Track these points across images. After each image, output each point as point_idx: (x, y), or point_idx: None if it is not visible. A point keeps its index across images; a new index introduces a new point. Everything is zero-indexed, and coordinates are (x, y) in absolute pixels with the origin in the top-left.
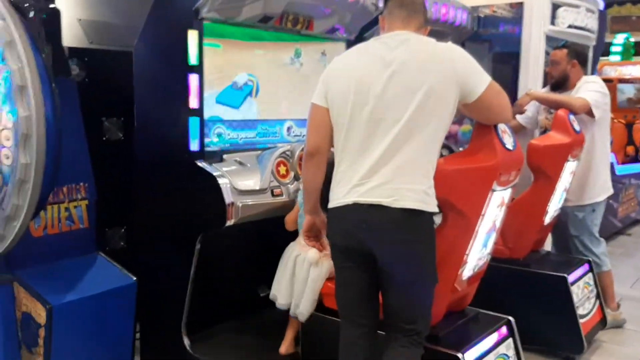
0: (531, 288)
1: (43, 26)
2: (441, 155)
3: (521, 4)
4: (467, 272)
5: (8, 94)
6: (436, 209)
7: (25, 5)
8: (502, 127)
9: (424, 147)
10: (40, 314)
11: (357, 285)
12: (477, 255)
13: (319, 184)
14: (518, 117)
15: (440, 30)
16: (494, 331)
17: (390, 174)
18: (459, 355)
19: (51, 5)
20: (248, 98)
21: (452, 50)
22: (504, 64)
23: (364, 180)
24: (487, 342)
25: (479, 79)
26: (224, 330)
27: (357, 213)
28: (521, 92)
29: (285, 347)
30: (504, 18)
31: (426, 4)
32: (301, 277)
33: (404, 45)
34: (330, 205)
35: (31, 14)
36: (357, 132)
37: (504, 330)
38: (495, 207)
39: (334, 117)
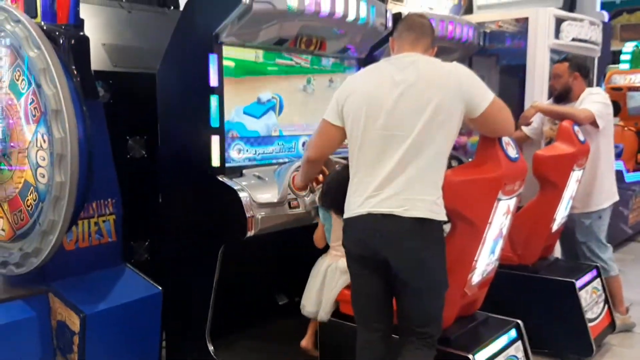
0: (540, 293)
1: (72, 52)
2: (450, 166)
3: (526, 18)
4: (476, 277)
5: (44, 117)
6: (445, 218)
7: (57, 33)
8: (505, 139)
9: (433, 160)
10: (74, 322)
11: (372, 292)
12: (485, 261)
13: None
14: (524, 128)
15: (448, 47)
16: (503, 334)
17: (401, 185)
18: (470, 356)
19: (80, 33)
20: (270, 112)
21: (458, 70)
22: (511, 77)
23: (376, 191)
24: (497, 345)
25: (483, 96)
26: (245, 337)
27: (371, 223)
28: (527, 104)
29: (306, 341)
30: (510, 32)
31: (433, 22)
32: (331, 286)
33: (412, 66)
34: (346, 215)
35: (62, 41)
36: (370, 146)
37: (513, 333)
38: (502, 215)
39: (349, 131)
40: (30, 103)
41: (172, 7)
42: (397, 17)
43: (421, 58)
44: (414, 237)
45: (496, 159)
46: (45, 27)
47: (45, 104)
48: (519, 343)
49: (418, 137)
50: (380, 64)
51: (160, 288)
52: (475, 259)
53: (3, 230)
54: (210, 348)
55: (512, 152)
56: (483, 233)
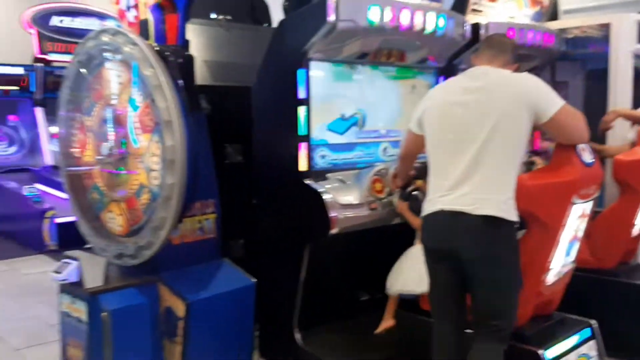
0: (619, 297)
1: (180, 69)
2: (529, 170)
3: (608, 24)
4: (551, 278)
5: (157, 127)
6: (515, 219)
7: (167, 53)
8: (581, 145)
9: (501, 162)
10: (180, 308)
11: (446, 285)
12: (560, 262)
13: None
14: None
15: (527, 54)
16: (576, 332)
17: (471, 186)
18: (540, 351)
19: (186, 52)
20: (353, 127)
21: (526, 79)
22: (596, 83)
23: (449, 191)
24: (569, 342)
25: (551, 102)
26: (329, 329)
27: (443, 219)
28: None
29: (384, 322)
30: (593, 38)
31: (512, 31)
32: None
33: (483, 76)
34: (422, 213)
35: (171, 60)
36: (443, 150)
37: (587, 332)
38: (577, 218)
39: (428, 137)
40: (146, 115)
41: (266, 25)
42: (475, 27)
43: (492, 70)
44: (482, 233)
45: (571, 164)
46: (157, 48)
47: (158, 115)
48: (593, 342)
49: (486, 140)
50: (456, 77)
51: (255, 280)
52: (550, 260)
53: (120, 226)
54: (298, 336)
55: (588, 157)
56: (557, 235)
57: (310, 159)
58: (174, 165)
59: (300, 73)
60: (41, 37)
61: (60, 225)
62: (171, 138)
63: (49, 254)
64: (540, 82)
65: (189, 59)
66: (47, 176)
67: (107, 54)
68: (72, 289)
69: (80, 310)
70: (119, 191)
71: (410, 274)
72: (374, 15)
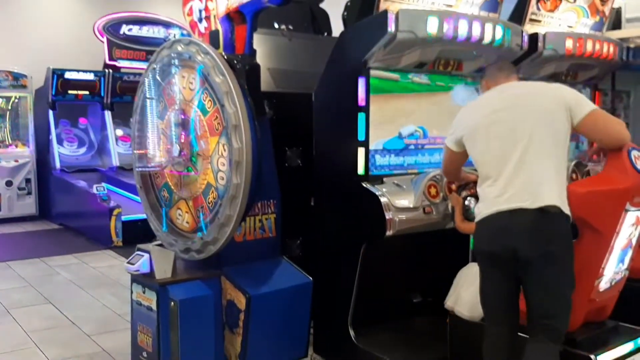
0: None
1: (247, 77)
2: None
3: None
4: (603, 284)
5: (225, 131)
6: (569, 212)
7: (235, 61)
8: (635, 153)
9: (547, 157)
10: (241, 301)
11: (501, 290)
12: (613, 269)
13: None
14: None
15: (586, 64)
16: (629, 340)
17: (523, 182)
18: (592, 356)
19: (253, 61)
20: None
21: (561, 86)
22: None
23: (502, 192)
24: (622, 349)
25: (584, 104)
26: (382, 328)
27: (500, 220)
28: None
29: None
30: None
31: (570, 41)
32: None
33: (519, 87)
34: (477, 219)
35: (239, 68)
36: (492, 156)
37: None
38: (630, 225)
39: (475, 149)
40: (215, 119)
41: (326, 34)
42: (533, 37)
43: (524, 82)
44: (541, 226)
45: (624, 172)
46: (226, 57)
47: (227, 119)
48: None
49: (531, 137)
50: (486, 94)
51: (311, 278)
52: (602, 266)
53: (187, 222)
54: (352, 334)
55: None
56: (610, 242)
57: (368, 163)
58: (240, 166)
59: (361, 81)
60: (111, 45)
61: (125, 222)
62: (238, 141)
63: (115, 250)
64: (574, 90)
65: (256, 67)
66: (113, 176)
67: (180, 62)
68: (144, 279)
69: (150, 299)
70: (187, 190)
71: (463, 295)
72: (432, 26)
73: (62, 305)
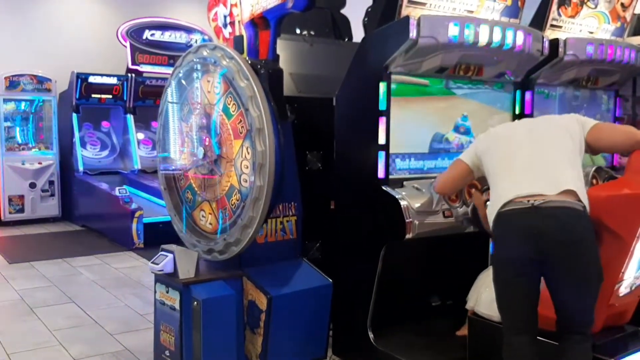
0: None
1: (270, 81)
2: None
3: None
4: (623, 289)
5: (249, 134)
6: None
7: (259, 66)
8: None
9: (564, 154)
10: (262, 302)
11: (527, 297)
12: (633, 274)
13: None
14: None
15: (607, 69)
16: None
17: (540, 170)
18: None
19: (276, 66)
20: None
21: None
22: None
23: (519, 179)
24: None
25: (591, 120)
26: (401, 330)
27: (524, 219)
28: None
29: (462, 330)
30: None
31: (591, 46)
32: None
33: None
34: (494, 214)
35: (262, 72)
36: (508, 153)
37: None
38: None
39: (489, 157)
40: (239, 122)
41: (347, 39)
42: (554, 43)
43: None
44: (570, 224)
45: None
46: (250, 62)
47: (251, 123)
48: None
49: (550, 141)
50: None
51: (331, 280)
52: (622, 271)
53: (210, 224)
54: (371, 336)
55: None
56: (630, 247)
57: (388, 166)
58: (264, 169)
59: (382, 86)
60: (134, 50)
61: (146, 224)
62: (262, 144)
63: (136, 251)
64: None
65: (279, 72)
66: (135, 179)
67: (205, 67)
68: (167, 279)
69: (173, 298)
70: (211, 192)
71: (484, 296)
72: (453, 31)
73: (85, 304)
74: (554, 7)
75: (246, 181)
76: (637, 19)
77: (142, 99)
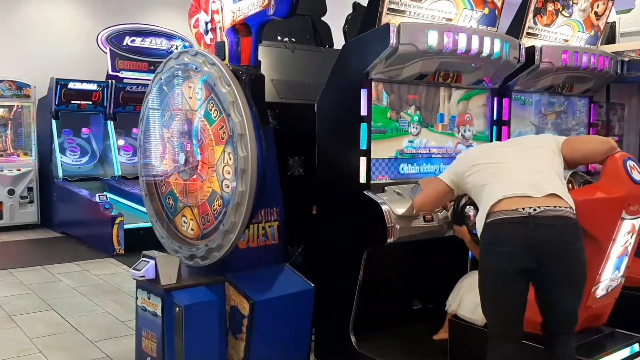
0: None
1: (252, 87)
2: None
3: None
4: (600, 291)
5: (231, 140)
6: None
7: (240, 72)
8: (630, 162)
9: (546, 162)
10: (245, 307)
11: (518, 306)
12: (609, 276)
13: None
14: None
15: (582, 76)
16: (625, 346)
17: (524, 174)
18: None
19: (258, 72)
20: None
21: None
22: None
23: (505, 182)
24: (618, 355)
25: (562, 137)
26: (383, 334)
27: (514, 230)
28: None
29: (439, 334)
30: None
31: (567, 54)
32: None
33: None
34: (482, 224)
35: (244, 79)
36: (491, 162)
37: (636, 347)
38: (626, 233)
39: (472, 174)
40: (220, 128)
41: (327, 46)
42: (530, 50)
43: None
44: (561, 233)
45: (620, 181)
46: (232, 68)
47: (233, 129)
48: None
49: (530, 149)
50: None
51: (313, 285)
52: (599, 273)
53: (192, 230)
54: (353, 340)
55: (637, 175)
56: (607, 249)
57: (369, 172)
58: (246, 174)
59: (363, 92)
60: (114, 56)
61: (127, 231)
62: (244, 149)
63: (116, 258)
64: None
65: (261, 78)
66: (115, 185)
67: (187, 73)
68: (149, 285)
69: (155, 304)
70: (193, 198)
71: (467, 299)
72: (432, 39)
73: (65, 312)
74: (530, 15)
75: (228, 187)
76: (609, 28)
77: (122, 105)
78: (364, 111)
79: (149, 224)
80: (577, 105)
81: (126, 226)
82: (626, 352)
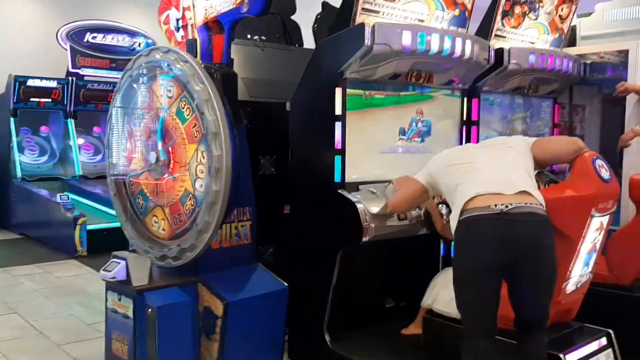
0: (634, 312)
1: (224, 85)
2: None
3: (627, 50)
4: (570, 287)
5: (204, 138)
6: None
7: (212, 70)
8: (599, 162)
9: (517, 161)
10: (218, 308)
11: (493, 298)
12: (579, 272)
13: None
14: None
15: (547, 78)
16: (594, 340)
17: (496, 172)
18: (561, 355)
19: (231, 70)
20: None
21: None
22: (613, 106)
23: (478, 181)
24: (587, 349)
25: (532, 138)
26: (356, 333)
27: (488, 227)
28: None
29: (411, 329)
30: (611, 64)
31: (533, 56)
32: None
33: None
34: (455, 222)
35: (216, 76)
36: (463, 161)
37: (604, 340)
38: (595, 230)
39: (444, 173)
40: (193, 127)
41: (297, 45)
42: (499, 52)
43: None
44: (535, 230)
45: (589, 179)
46: (203, 66)
47: (207, 127)
48: (610, 351)
49: (501, 149)
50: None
51: (287, 284)
52: (570, 269)
53: (163, 230)
54: (327, 339)
55: (605, 173)
56: (577, 246)
57: (344, 171)
58: (220, 173)
59: (337, 91)
60: (74, 53)
61: (89, 232)
62: (218, 148)
63: (79, 259)
64: None
65: (233, 76)
66: (76, 185)
67: (158, 70)
68: (120, 286)
69: (126, 306)
70: (164, 197)
71: (442, 293)
72: (406, 39)
73: (29, 315)
74: (499, 17)
75: (202, 186)
76: (571, 31)
77: (83, 103)
78: (338, 110)
79: (112, 225)
80: (542, 107)
81: (89, 227)
82: (595, 345)
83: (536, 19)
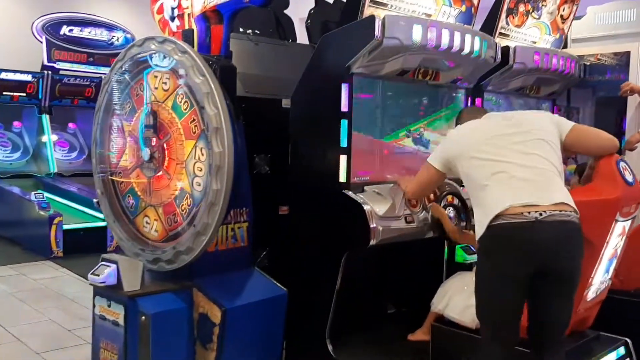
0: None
1: (222, 79)
2: None
3: (628, 52)
4: (591, 294)
5: (204, 134)
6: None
7: (211, 62)
8: (623, 164)
9: (548, 161)
10: (216, 315)
11: (517, 309)
12: (600, 279)
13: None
14: None
15: (550, 78)
16: (612, 350)
17: (529, 179)
18: None
19: (230, 63)
20: None
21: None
22: (607, 109)
23: (507, 187)
24: (607, 359)
25: (567, 121)
26: (358, 340)
27: (520, 233)
28: (628, 134)
29: (417, 334)
30: (609, 65)
31: (537, 55)
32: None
33: (508, 114)
34: (483, 228)
35: (215, 69)
36: (490, 158)
37: (622, 350)
38: (617, 235)
39: (465, 163)
40: (191, 121)
41: (290, 40)
42: (505, 50)
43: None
44: (569, 241)
45: (614, 182)
46: (203, 57)
47: (207, 122)
48: None
49: (530, 144)
50: (476, 121)
51: (286, 289)
52: (592, 276)
53: (156, 231)
54: (330, 347)
55: (629, 176)
56: (600, 252)
57: (350, 170)
58: (221, 171)
59: (344, 87)
60: (50, 45)
61: (66, 232)
62: (219, 145)
63: (55, 260)
64: None
65: (232, 69)
66: (51, 183)
67: (152, 61)
68: (109, 291)
69: (117, 313)
70: (157, 196)
71: (455, 300)
72: (417, 33)
73: (4, 320)
74: (503, 15)
75: (200, 185)
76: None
77: (58, 98)
78: (344, 107)
79: (89, 225)
80: (542, 108)
81: (65, 227)
82: (613, 355)
83: (539, 18)
